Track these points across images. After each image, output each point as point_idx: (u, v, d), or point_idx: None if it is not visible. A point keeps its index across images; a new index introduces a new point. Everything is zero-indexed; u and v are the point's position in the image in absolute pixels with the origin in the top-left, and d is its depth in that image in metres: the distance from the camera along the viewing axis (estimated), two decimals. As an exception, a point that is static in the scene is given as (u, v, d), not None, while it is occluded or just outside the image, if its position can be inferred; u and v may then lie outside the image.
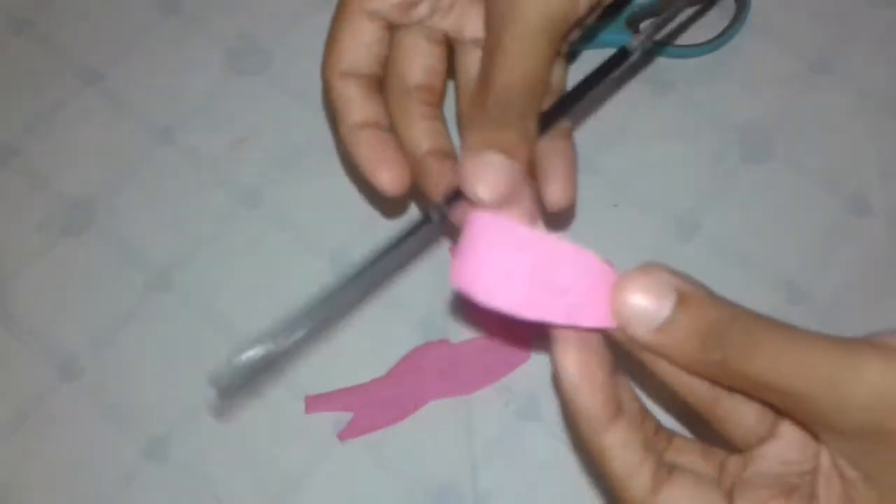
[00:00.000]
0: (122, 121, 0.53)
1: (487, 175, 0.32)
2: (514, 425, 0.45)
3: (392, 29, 0.40)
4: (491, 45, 0.35)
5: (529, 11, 0.34)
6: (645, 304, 0.28)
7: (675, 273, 0.28)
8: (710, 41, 0.52)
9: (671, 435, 0.33)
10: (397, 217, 0.50)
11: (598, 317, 0.29)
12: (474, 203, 0.32)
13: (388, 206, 0.50)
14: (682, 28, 0.40)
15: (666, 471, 0.31)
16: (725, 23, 0.53)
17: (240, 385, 0.34)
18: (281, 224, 0.50)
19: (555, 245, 0.29)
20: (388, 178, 0.38)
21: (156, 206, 0.51)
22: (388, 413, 0.45)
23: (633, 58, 0.36)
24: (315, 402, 0.46)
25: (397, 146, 0.39)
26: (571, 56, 0.51)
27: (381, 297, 0.48)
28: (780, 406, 0.29)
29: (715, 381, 0.30)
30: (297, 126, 0.52)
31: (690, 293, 0.28)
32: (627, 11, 0.52)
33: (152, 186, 0.51)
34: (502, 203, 0.32)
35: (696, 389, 0.32)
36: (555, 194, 0.37)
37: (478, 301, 0.29)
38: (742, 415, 0.32)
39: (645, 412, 0.32)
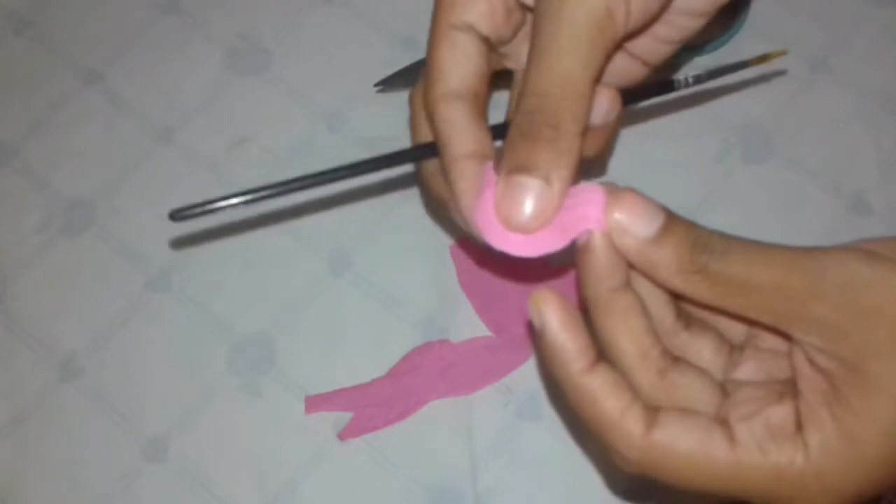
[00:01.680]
0: (122, 121, 0.53)
1: (519, 202, 0.31)
2: (514, 425, 0.45)
3: (489, 43, 0.36)
4: (530, 49, 0.32)
5: (572, 10, 0.31)
6: (639, 218, 0.30)
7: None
8: (710, 41, 0.52)
9: (688, 322, 0.33)
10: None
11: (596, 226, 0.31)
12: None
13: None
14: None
15: (654, 410, 0.31)
16: (725, 23, 0.53)
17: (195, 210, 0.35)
18: (280, 224, 0.50)
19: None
20: (478, 221, 0.33)
21: (156, 206, 0.51)
22: (388, 413, 0.45)
23: (677, 94, 0.35)
24: (315, 403, 0.46)
25: None
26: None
27: (381, 297, 0.48)
28: (756, 309, 0.30)
29: (691, 296, 0.31)
30: (297, 126, 0.52)
31: (674, 214, 0.31)
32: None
33: (152, 186, 0.51)
34: (528, 227, 0.31)
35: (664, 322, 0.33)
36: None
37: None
38: (699, 349, 0.33)
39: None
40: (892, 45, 0.53)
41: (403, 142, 0.52)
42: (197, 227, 0.50)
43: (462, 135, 0.34)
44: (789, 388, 0.31)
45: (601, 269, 0.31)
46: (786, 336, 0.31)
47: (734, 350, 0.34)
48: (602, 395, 0.30)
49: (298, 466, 0.45)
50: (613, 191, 0.31)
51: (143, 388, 0.47)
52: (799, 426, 0.30)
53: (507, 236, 0.31)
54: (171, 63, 0.54)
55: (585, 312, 0.32)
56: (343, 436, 0.45)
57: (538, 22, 0.32)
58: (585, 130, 0.32)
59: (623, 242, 0.30)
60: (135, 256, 0.50)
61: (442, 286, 0.48)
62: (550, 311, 0.30)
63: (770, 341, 0.33)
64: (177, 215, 0.34)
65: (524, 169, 0.30)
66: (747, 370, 0.33)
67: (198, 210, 0.34)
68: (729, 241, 0.31)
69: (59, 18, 0.56)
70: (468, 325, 0.47)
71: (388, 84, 0.53)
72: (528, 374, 0.46)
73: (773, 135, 0.51)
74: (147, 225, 0.50)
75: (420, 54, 0.53)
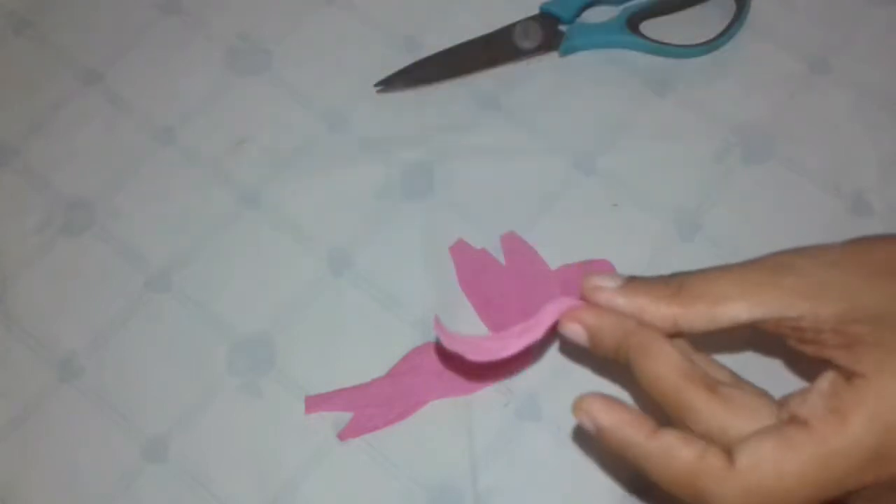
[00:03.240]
0: (122, 121, 0.53)
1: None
2: (514, 425, 0.45)
3: None
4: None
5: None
6: (605, 278, 0.34)
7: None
8: (710, 41, 0.52)
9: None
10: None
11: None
12: None
13: None
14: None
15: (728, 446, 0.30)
16: (725, 23, 0.53)
17: None
18: (280, 224, 0.50)
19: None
20: None
21: (156, 207, 0.51)
22: (388, 413, 0.45)
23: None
24: (315, 403, 0.46)
25: None
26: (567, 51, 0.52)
27: (381, 297, 0.48)
28: (745, 306, 0.31)
29: (685, 325, 0.32)
30: (297, 126, 0.52)
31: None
32: (628, 12, 0.53)
33: (152, 186, 0.51)
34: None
35: None
36: None
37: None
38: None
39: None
40: (892, 45, 0.53)
41: (403, 141, 0.52)
42: (197, 229, 0.50)
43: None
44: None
45: (609, 324, 0.33)
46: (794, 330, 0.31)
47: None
48: (676, 447, 0.31)
49: (298, 466, 0.45)
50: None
51: (143, 388, 0.47)
52: (849, 376, 0.29)
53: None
54: (171, 63, 0.54)
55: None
56: (343, 436, 0.45)
57: None
58: None
59: (600, 297, 0.33)
60: (135, 256, 0.50)
61: (442, 286, 0.48)
62: (597, 411, 0.32)
63: None
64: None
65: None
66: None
67: None
68: (684, 273, 0.33)
69: (59, 18, 0.56)
70: (468, 325, 0.47)
71: (388, 84, 0.53)
72: (528, 374, 0.46)
73: (773, 135, 0.51)
74: (147, 225, 0.50)
75: (420, 54, 0.53)
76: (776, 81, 0.52)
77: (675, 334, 0.33)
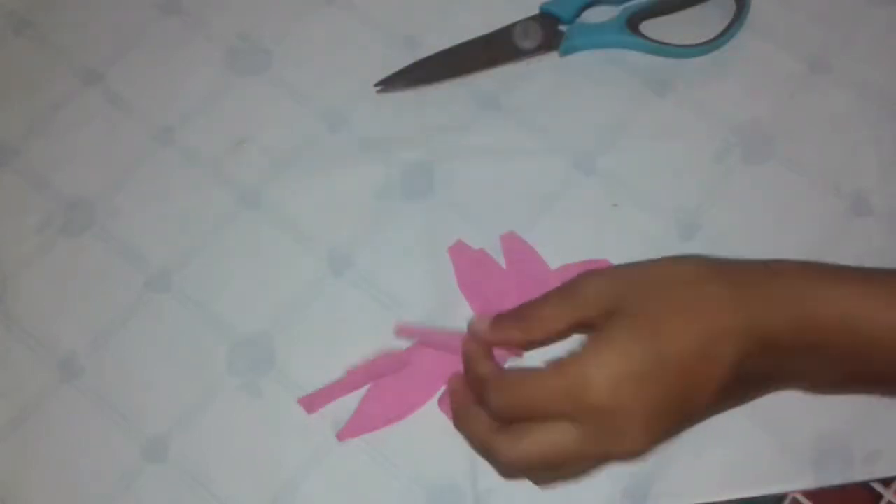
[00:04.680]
0: (122, 121, 0.53)
1: None
2: (514, 425, 0.45)
3: None
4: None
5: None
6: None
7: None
8: (710, 41, 0.52)
9: None
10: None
11: None
12: None
13: None
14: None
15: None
16: (725, 23, 0.53)
17: None
18: (280, 224, 0.50)
19: None
20: None
21: (156, 207, 0.51)
22: (388, 413, 0.45)
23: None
24: (310, 400, 0.46)
25: None
26: (567, 51, 0.52)
27: (381, 297, 0.48)
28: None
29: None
30: (297, 126, 0.52)
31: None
32: (628, 12, 0.53)
33: (152, 186, 0.51)
34: None
35: None
36: None
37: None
38: None
39: None
40: (892, 45, 0.53)
41: (403, 141, 0.52)
42: (197, 229, 0.50)
43: None
44: None
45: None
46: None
47: None
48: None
49: (298, 466, 0.45)
50: None
51: (143, 388, 0.47)
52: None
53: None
54: (171, 63, 0.54)
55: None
56: (343, 436, 0.45)
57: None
58: None
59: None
60: (135, 256, 0.50)
61: (442, 286, 0.48)
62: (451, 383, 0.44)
63: None
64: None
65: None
66: None
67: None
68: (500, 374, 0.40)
69: (59, 18, 0.56)
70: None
71: (388, 84, 0.53)
72: (528, 374, 0.46)
73: (773, 135, 0.51)
74: (147, 225, 0.50)
75: (420, 54, 0.53)
76: (776, 81, 0.52)
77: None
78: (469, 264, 0.48)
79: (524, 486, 0.44)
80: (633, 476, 0.44)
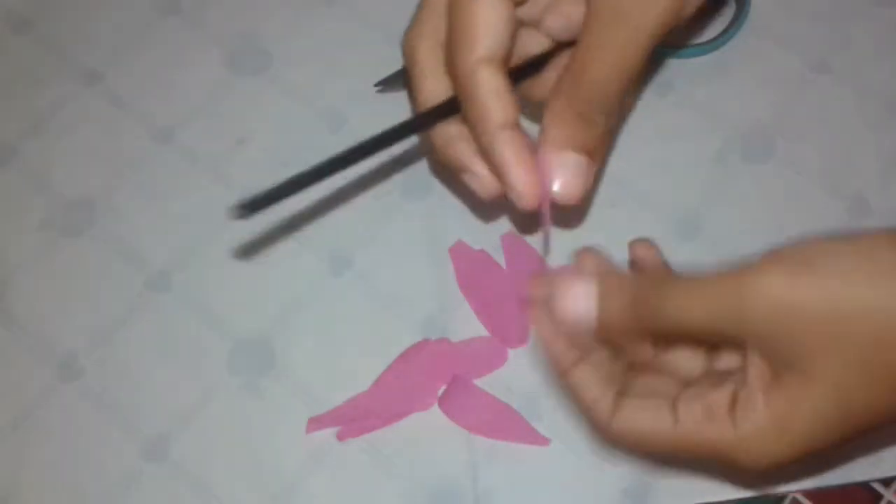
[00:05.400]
0: (122, 121, 0.53)
1: (568, 175, 0.35)
2: (514, 425, 0.45)
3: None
4: (593, 42, 0.34)
5: (642, 14, 0.34)
6: (575, 309, 0.35)
7: (597, 259, 0.38)
8: (710, 41, 0.52)
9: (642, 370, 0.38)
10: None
11: None
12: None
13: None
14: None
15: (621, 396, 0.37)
16: (725, 23, 0.53)
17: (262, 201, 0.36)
18: (281, 224, 0.50)
19: None
20: (530, 188, 0.36)
21: (156, 206, 0.51)
22: (388, 413, 0.45)
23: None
24: (318, 422, 0.45)
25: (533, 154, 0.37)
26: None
27: (381, 297, 0.48)
28: (703, 337, 0.35)
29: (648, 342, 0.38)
30: (297, 126, 0.52)
31: (607, 280, 0.35)
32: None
33: (152, 186, 0.51)
34: (577, 200, 0.36)
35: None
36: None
37: None
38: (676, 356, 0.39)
39: (613, 356, 0.38)
40: (893, 45, 0.53)
41: (403, 141, 0.52)
42: (197, 229, 0.50)
43: (504, 104, 0.36)
44: (733, 377, 0.35)
45: (556, 365, 0.39)
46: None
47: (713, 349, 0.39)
48: (581, 387, 0.37)
49: (298, 466, 0.45)
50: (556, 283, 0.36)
51: (143, 388, 0.47)
52: (732, 407, 0.34)
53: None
54: (171, 63, 0.54)
55: None
56: (343, 436, 0.45)
57: (601, 18, 0.34)
58: None
59: (570, 329, 0.36)
60: (135, 256, 0.50)
61: (442, 286, 0.48)
62: (540, 331, 0.38)
63: (725, 361, 0.38)
64: (244, 210, 0.33)
65: (582, 150, 0.35)
66: None
67: (265, 200, 0.34)
68: (662, 291, 0.34)
69: (59, 18, 0.56)
70: (468, 325, 0.47)
71: (388, 84, 0.53)
72: (528, 374, 0.46)
73: (773, 135, 0.51)
74: (147, 225, 0.50)
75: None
76: (776, 81, 0.52)
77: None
78: (469, 264, 0.48)
79: (524, 486, 0.44)
80: (633, 476, 0.44)
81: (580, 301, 0.35)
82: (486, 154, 0.37)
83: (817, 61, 0.53)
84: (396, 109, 0.52)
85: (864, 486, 0.44)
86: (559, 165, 0.35)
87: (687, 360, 0.38)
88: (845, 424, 0.33)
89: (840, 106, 0.51)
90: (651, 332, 0.36)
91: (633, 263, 0.41)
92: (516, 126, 0.36)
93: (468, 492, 0.44)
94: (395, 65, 0.53)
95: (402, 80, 0.53)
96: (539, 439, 0.45)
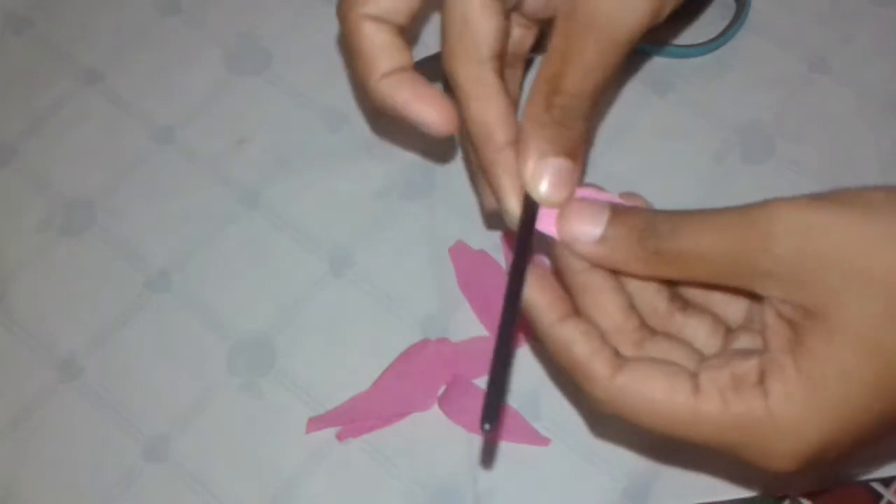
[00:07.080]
0: (122, 121, 0.53)
1: (552, 178, 0.34)
2: (514, 425, 0.45)
3: None
4: (568, 49, 0.34)
5: (619, 20, 0.34)
6: (584, 224, 0.34)
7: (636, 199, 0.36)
8: (710, 41, 0.52)
9: (683, 305, 0.36)
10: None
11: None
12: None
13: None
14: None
15: (624, 358, 0.33)
16: (725, 23, 0.53)
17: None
18: (280, 224, 0.50)
19: None
20: (438, 116, 0.36)
21: (156, 207, 0.51)
22: (388, 413, 0.45)
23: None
24: (317, 422, 0.46)
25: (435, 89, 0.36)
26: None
27: (381, 297, 0.48)
28: (716, 276, 0.32)
29: (656, 277, 0.34)
30: (297, 126, 0.52)
31: (620, 206, 0.34)
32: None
33: (152, 186, 0.51)
34: (564, 202, 0.34)
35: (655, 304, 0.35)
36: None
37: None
38: (695, 332, 0.35)
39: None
40: (893, 45, 0.53)
41: (403, 141, 0.52)
42: (197, 229, 0.50)
43: (387, 53, 0.36)
44: (759, 346, 0.32)
45: (567, 262, 0.35)
46: (756, 297, 0.32)
47: (730, 332, 0.35)
48: (571, 341, 0.33)
49: (298, 466, 0.45)
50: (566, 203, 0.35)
51: (143, 388, 0.47)
52: (762, 377, 0.31)
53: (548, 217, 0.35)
54: (171, 63, 0.54)
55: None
56: (342, 436, 0.45)
57: (574, 25, 0.34)
58: None
59: (578, 249, 0.34)
60: (135, 256, 0.50)
61: (442, 286, 0.48)
62: (531, 280, 0.34)
63: (742, 342, 0.35)
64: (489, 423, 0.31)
65: (564, 154, 0.34)
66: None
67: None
68: (676, 219, 0.33)
69: (59, 18, 0.56)
70: (468, 325, 0.47)
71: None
72: (528, 374, 0.46)
73: (773, 135, 0.51)
74: (147, 225, 0.50)
75: (420, 54, 0.53)
76: (776, 81, 0.52)
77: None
78: (469, 264, 0.48)
79: (524, 486, 0.44)
80: (633, 476, 0.44)
81: (586, 220, 0.34)
82: (386, 106, 0.37)
83: (817, 61, 0.53)
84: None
85: (864, 486, 0.44)
86: (545, 168, 0.34)
87: (704, 336, 0.35)
88: (883, 387, 0.29)
89: (840, 106, 0.51)
90: (658, 263, 0.33)
91: None
92: (407, 69, 0.37)
93: (468, 492, 0.44)
94: (395, 65, 0.53)
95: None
96: (539, 439, 0.45)
